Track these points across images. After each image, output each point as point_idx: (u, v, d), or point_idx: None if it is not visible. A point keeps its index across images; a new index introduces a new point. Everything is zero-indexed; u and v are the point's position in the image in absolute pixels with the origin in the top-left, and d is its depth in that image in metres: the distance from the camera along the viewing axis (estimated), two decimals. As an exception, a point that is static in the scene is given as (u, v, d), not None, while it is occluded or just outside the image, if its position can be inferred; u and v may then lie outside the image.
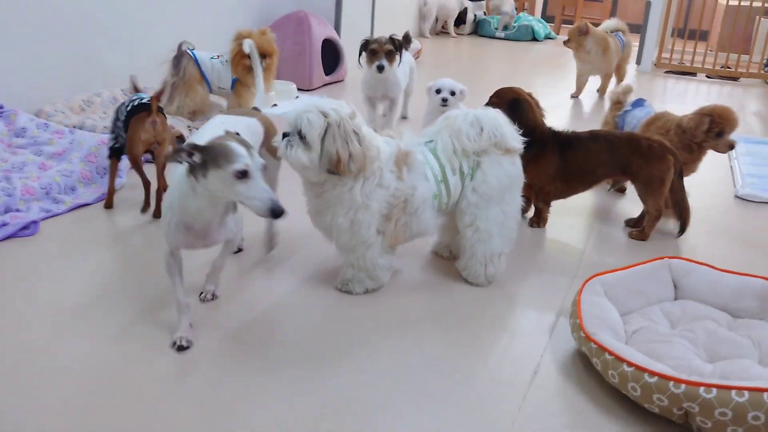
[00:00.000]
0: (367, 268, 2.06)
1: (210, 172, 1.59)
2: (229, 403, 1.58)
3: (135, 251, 2.33)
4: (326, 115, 1.89)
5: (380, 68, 3.61)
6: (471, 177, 2.11)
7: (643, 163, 2.58)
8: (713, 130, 2.78)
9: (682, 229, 2.68)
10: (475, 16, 8.67)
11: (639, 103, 3.21)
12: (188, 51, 3.59)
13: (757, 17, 7.46)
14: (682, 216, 2.67)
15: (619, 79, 5.58)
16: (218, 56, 3.66)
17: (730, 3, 7.63)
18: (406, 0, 7.65)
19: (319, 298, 2.09)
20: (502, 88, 2.67)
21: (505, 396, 1.68)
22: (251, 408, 1.58)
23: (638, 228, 2.72)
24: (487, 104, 2.55)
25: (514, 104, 2.55)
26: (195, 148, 1.59)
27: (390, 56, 3.63)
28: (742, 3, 7.22)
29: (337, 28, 5.27)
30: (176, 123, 3.35)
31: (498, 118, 2.13)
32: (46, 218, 2.51)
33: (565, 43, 5.28)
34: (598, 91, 5.53)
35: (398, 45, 3.67)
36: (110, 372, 1.67)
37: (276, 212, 1.58)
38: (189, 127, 3.42)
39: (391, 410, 1.60)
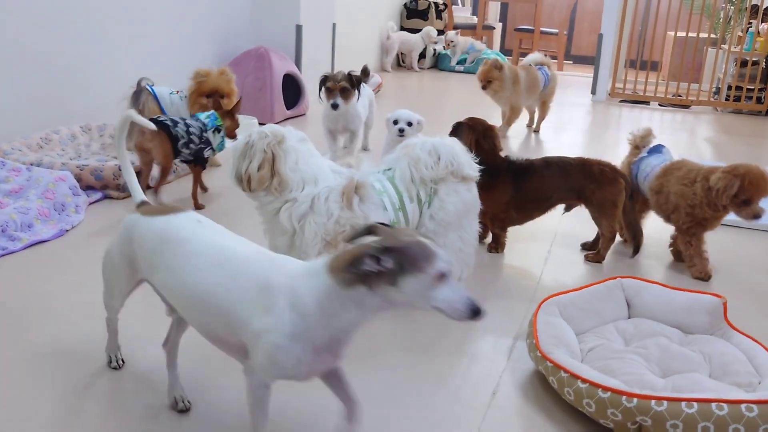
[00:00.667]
0: None
1: (404, 278, 1.23)
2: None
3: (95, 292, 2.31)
4: (250, 135, 2.00)
5: (334, 106, 3.68)
6: (428, 204, 2.15)
7: (596, 187, 2.66)
8: (740, 196, 2.44)
9: (636, 250, 2.75)
10: (435, 50, 8.83)
11: (657, 149, 2.87)
12: (147, 87, 3.60)
13: (705, 47, 7.75)
14: (636, 237, 2.74)
15: (542, 114, 5.47)
16: (177, 92, 3.68)
17: (679, 34, 7.91)
18: (366, 34, 7.78)
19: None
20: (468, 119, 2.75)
21: (465, 417, 1.70)
22: (210, 438, 1.57)
23: (594, 251, 2.78)
24: (451, 133, 2.63)
25: (457, 130, 2.65)
26: (386, 250, 1.24)
27: (345, 93, 3.69)
28: (690, 34, 7.49)
29: (298, 63, 5.33)
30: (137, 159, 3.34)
31: (455, 146, 2.18)
32: (2, 255, 2.48)
33: (484, 88, 5.01)
34: (504, 122, 5.20)
35: (355, 81, 3.73)
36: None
37: (477, 312, 1.25)
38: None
39: (352, 435, 1.60)
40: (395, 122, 3.41)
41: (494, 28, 9.96)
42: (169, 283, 1.46)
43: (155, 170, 3.14)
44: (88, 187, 3.15)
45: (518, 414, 1.72)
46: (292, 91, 5.13)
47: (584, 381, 1.63)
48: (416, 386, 1.82)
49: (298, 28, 5.30)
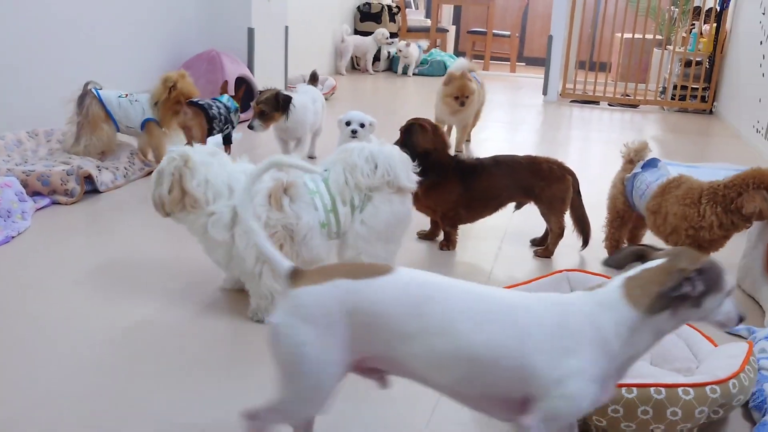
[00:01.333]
0: (266, 296, 2.08)
1: (707, 298, 1.24)
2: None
3: (37, 299, 2.28)
4: (162, 162, 2.10)
5: (250, 127, 3.69)
6: (361, 210, 2.15)
7: (545, 185, 2.72)
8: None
9: (585, 243, 2.82)
10: (389, 53, 8.89)
11: (652, 163, 2.65)
12: (93, 90, 3.56)
13: (653, 49, 7.97)
14: (584, 230, 2.81)
15: (474, 123, 5.03)
16: (126, 95, 3.64)
17: (628, 36, 8.10)
18: (320, 37, 7.79)
19: (227, 329, 2.09)
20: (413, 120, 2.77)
21: (414, 410, 1.72)
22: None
23: (542, 246, 2.84)
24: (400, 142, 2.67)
25: (410, 130, 2.67)
26: (699, 273, 1.23)
27: (263, 117, 3.62)
28: (637, 36, 7.68)
29: (251, 66, 5.31)
30: (85, 163, 3.30)
31: (394, 155, 2.15)
32: (-55, 264, 2.43)
33: (462, 104, 4.44)
34: (463, 140, 4.79)
35: (281, 102, 3.65)
36: (12, 413, 1.62)
37: (742, 319, 1.31)
38: (99, 167, 3.37)
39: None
40: (348, 123, 3.43)
41: (447, 31, 10.07)
42: (426, 351, 1.25)
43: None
44: (34, 193, 3.10)
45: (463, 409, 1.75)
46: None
47: (529, 370, 1.67)
48: (368, 383, 1.84)
49: (250, 31, 5.28)
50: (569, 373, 1.21)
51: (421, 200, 2.66)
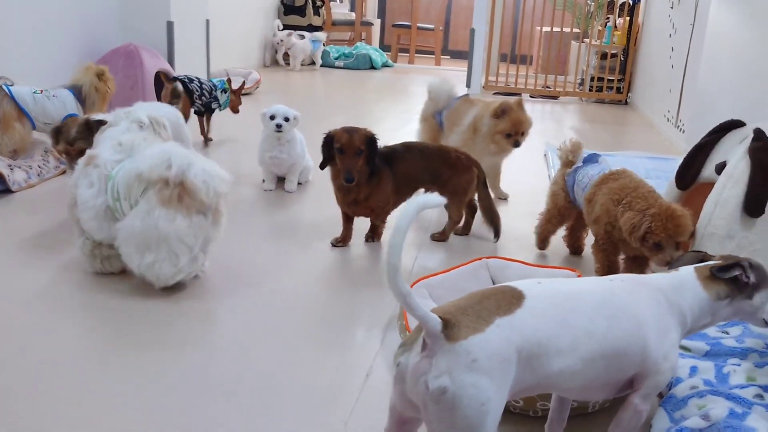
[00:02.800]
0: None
1: (758, 293, 1.47)
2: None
3: (-52, 297, 2.18)
4: None
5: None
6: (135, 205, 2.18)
7: (452, 173, 2.78)
8: (649, 239, 2.23)
9: (497, 234, 2.89)
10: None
11: (592, 158, 2.66)
12: (3, 87, 3.42)
13: (571, 42, 8.20)
14: (494, 222, 2.89)
15: None
16: (42, 90, 3.52)
17: (548, 30, 8.32)
18: (244, 31, 7.69)
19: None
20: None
21: (338, 400, 1.74)
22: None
23: (439, 232, 2.92)
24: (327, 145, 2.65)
25: (328, 140, 2.65)
26: (752, 267, 1.47)
27: (68, 155, 2.94)
28: (557, 29, 7.89)
29: (171, 60, 5.20)
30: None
31: (205, 168, 2.21)
32: None
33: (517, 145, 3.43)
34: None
35: (94, 128, 2.72)
36: None
37: None
38: (11, 166, 3.25)
39: (224, 425, 1.61)
40: (272, 117, 3.40)
41: (372, 24, 10.10)
42: (576, 360, 1.27)
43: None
44: (-59, 194, 2.96)
45: (386, 393, 1.78)
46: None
47: (449, 356, 1.72)
48: (293, 375, 1.85)
49: (169, 25, 5.17)
50: (670, 347, 1.37)
51: (362, 204, 2.69)
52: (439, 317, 1.17)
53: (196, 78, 4.27)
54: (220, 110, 4.43)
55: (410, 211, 1.14)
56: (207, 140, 4.44)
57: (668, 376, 1.38)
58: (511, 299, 1.25)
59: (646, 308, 1.37)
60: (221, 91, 4.39)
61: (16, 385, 1.73)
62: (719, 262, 1.49)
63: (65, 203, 2.37)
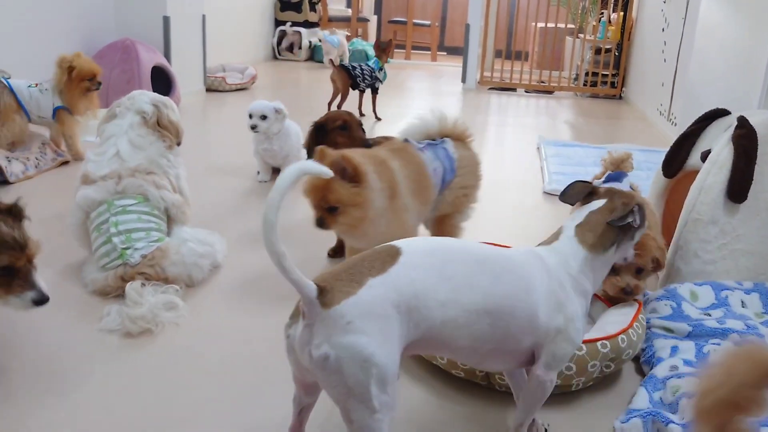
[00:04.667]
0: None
1: (639, 232, 1.52)
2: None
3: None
4: None
5: None
6: None
7: None
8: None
9: None
10: (311, 42, 8.88)
11: (618, 177, 2.46)
12: (3, 80, 3.46)
13: (566, 37, 8.24)
14: None
15: None
16: (36, 84, 3.55)
17: (544, 25, 8.35)
18: (240, 26, 7.72)
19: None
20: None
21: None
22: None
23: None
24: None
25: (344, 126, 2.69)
26: (639, 207, 1.48)
27: None
28: (551, 25, 7.93)
29: (167, 55, 5.24)
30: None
31: None
32: None
33: None
34: None
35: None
36: None
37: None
38: (8, 157, 3.29)
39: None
40: (250, 116, 3.39)
41: (369, 20, 10.13)
42: (458, 311, 1.31)
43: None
44: (-61, 185, 3.00)
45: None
46: (163, 83, 5.04)
47: (436, 335, 1.76)
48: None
49: (166, 20, 5.21)
50: (567, 320, 1.39)
51: None
52: (315, 284, 1.20)
53: (358, 64, 5.12)
54: (382, 83, 5.25)
55: (293, 171, 1.19)
56: (377, 118, 5.24)
57: (568, 347, 1.41)
58: (386, 257, 1.28)
59: (537, 279, 1.39)
60: (379, 71, 5.16)
61: (12, 365, 1.78)
62: (605, 210, 1.48)
63: (62, 194, 2.41)
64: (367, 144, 2.62)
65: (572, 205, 1.56)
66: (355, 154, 2.02)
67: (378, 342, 1.19)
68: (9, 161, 3.27)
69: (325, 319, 1.19)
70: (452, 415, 1.68)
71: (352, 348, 1.18)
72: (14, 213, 1.64)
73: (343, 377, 1.18)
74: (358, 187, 1.95)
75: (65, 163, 3.62)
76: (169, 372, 1.80)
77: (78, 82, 3.53)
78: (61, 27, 4.74)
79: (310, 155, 2.73)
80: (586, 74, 7.28)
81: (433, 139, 2.39)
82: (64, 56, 3.56)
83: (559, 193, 1.59)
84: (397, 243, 1.33)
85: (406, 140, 2.33)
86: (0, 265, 1.58)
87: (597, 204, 1.50)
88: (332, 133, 2.66)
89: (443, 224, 2.42)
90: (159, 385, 1.74)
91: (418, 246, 1.33)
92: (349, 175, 1.95)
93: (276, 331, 2.03)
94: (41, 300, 1.62)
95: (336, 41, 8.27)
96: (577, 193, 1.54)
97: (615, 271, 1.98)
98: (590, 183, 1.55)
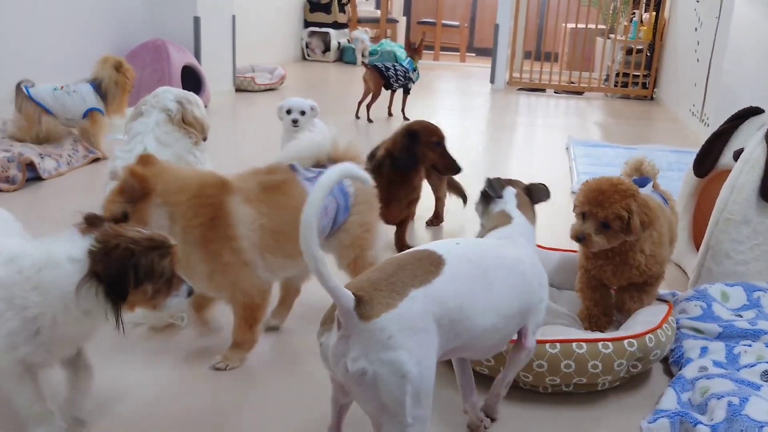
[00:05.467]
0: None
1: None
2: None
3: None
4: None
5: None
6: None
7: None
8: (575, 208, 1.93)
9: (465, 199, 3.04)
10: (339, 43, 8.91)
11: (642, 182, 2.21)
12: (23, 88, 3.50)
13: (596, 38, 8.16)
14: (459, 190, 3.03)
15: None
16: (62, 87, 3.59)
17: (576, 26, 8.28)
18: (270, 27, 7.77)
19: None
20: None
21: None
22: None
23: (432, 216, 3.03)
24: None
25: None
26: (490, 182, 1.63)
27: None
28: (582, 25, 7.85)
29: (197, 55, 5.30)
30: (27, 150, 3.28)
31: None
32: None
33: None
34: None
35: None
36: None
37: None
38: (41, 154, 3.35)
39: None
40: (288, 112, 3.42)
41: (398, 21, 10.13)
42: (495, 317, 1.33)
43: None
44: (-26, 181, 3.07)
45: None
46: (193, 82, 5.10)
47: (460, 332, 1.75)
48: (302, 368, 1.90)
49: (196, 20, 5.26)
50: (544, 288, 1.50)
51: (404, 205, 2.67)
52: (353, 294, 1.14)
53: (391, 65, 5.12)
54: (414, 83, 5.28)
55: (336, 172, 1.14)
56: (405, 118, 5.21)
57: (544, 313, 1.50)
58: (429, 266, 1.24)
59: (527, 264, 1.45)
60: (412, 72, 5.17)
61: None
62: (515, 186, 1.64)
63: (92, 191, 2.43)
64: (456, 168, 2.62)
65: (499, 197, 1.62)
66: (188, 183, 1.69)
67: (417, 357, 1.15)
68: (42, 158, 3.33)
69: (364, 332, 1.13)
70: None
71: (391, 365, 1.13)
72: (127, 219, 1.50)
73: (378, 393, 1.14)
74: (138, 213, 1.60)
75: (96, 160, 3.68)
76: (195, 367, 1.81)
77: (127, 83, 3.67)
78: (94, 27, 4.82)
79: (397, 159, 2.54)
80: (617, 75, 7.20)
81: (323, 166, 1.93)
82: (109, 56, 3.68)
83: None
84: (437, 249, 1.30)
85: (293, 167, 1.88)
86: (171, 269, 1.39)
87: (511, 190, 1.62)
88: (425, 145, 2.56)
89: (357, 267, 1.96)
90: (186, 381, 1.75)
91: (459, 253, 1.31)
92: (135, 194, 1.62)
93: (305, 331, 2.03)
94: (192, 290, 1.45)
95: (365, 37, 8.36)
96: (502, 186, 1.64)
97: (582, 218, 1.88)
98: (509, 179, 1.68)
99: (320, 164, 1.93)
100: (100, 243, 1.32)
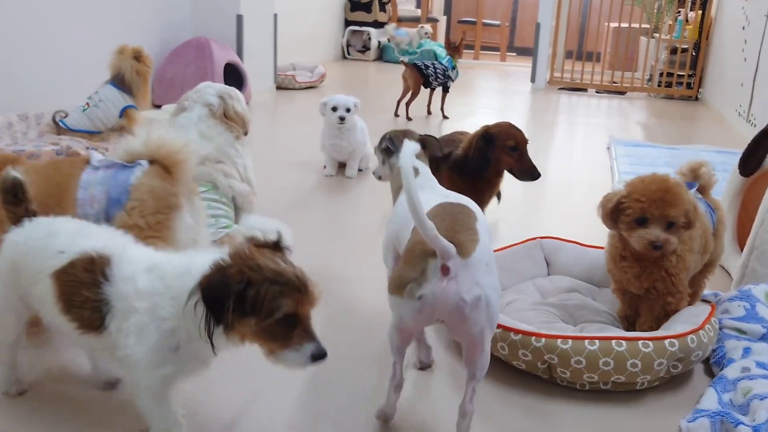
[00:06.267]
0: None
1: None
2: None
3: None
4: None
5: None
6: None
7: None
8: (627, 212, 1.78)
9: (498, 197, 3.03)
10: (379, 42, 8.94)
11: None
12: (60, 123, 3.56)
13: (640, 37, 8.04)
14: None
15: None
16: (87, 104, 3.61)
17: (618, 25, 8.16)
18: (310, 25, 7.83)
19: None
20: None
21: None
22: None
23: None
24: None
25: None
26: (389, 139, 1.88)
27: None
28: (625, 25, 7.74)
29: (239, 52, 5.37)
30: (74, 144, 3.36)
31: None
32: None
33: None
34: None
35: None
36: None
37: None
38: (87, 147, 3.43)
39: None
40: (334, 109, 3.46)
41: (438, 21, 10.11)
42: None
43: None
44: (25, 173, 3.15)
45: (439, 362, 1.83)
46: (235, 80, 5.16)
47: (498, 326, 1.75)
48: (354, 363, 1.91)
49: (239, 18, 5.33)
50: None
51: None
52: (458, 243, 1.34)
53: (431, 63, 5.14)
54: (453, 82, 5.28)
55: (409, 151, 1.35)
56: (444, 117, 5.27)
57: None
58: (468, 211, 1.50)
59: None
60: (452, 70, 5.18)
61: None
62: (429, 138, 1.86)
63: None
64: (533, 175, 2.45)
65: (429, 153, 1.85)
66: None
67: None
68: (88, 151, 3.41)
69: (468, 266, 1.33)
70: (512, 405, 1.67)
71: (495, 284, 1.37)
72: (280, 248, 1.33)
73: (489, 311, 1.34)
74: None
75: (140, 154, 3.75)
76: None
77: (150, 69, 3.65)
78: (139, 25, 4.92)
79: (473, 162, 2.45)
80: (661, 75, 7.08)
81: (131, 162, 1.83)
82: (126, 46, 3.62)
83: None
84: (460, 200, 1.55)
85: (91, 156, 1.86)
86: (285, 312, 1.23)
87: (409, 142, 1.55)
88: (500, 149, 2.44)
89: None
90: (232, 364, 1.78)
91: (468, 202, 1.56)
92: None
93: (347, 313, 2.05)
94: (321, 355, 1.26)
95: (404, 33, 8.36)
96: (399, 139, 1.85)
97: (642, 224, 1.76)
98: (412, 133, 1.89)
99: (131, 160, 1.82)
100: (224, 260, 1.24)
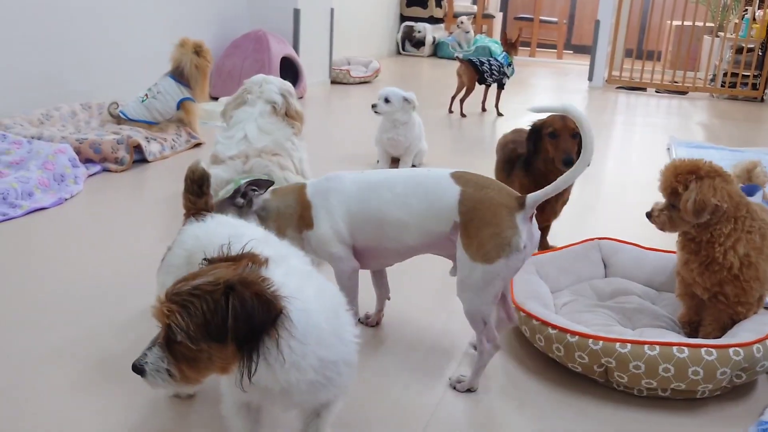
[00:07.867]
0: None
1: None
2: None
3: (90, 251, 2.40)
4: None
5: None
6: None
7: None
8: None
9: None
10: (434, 38, 8.89)
11: (751, 190, 2.13)
12: (121, 114, 3.63)
13: (703, 36, 7.80)
14: None
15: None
16: (146, 95, 3.68)
17: (681, 23, 7.95)
18: (366, 20, 7.84)
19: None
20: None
21: (445, 364, 1.78)
22: None
23: None
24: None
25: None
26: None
27: None
28: (688, 23, 7.53)
29: (296, 46, 5.40)
30: (135, 134, 3.43)
31: None
32: (3, 221, 2.57)
33: None
34: None
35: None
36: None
37: None
38: (147, 138, 3.50)
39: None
40: (387, 100, 3.45)
41: (494, 17, 10.01)
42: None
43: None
44: (87, 160, 3.24)
45: (492, 362, 1.80)
46: (291, 73, 5.21)
47: (554, 327, 1.71)
48: (397, 338, 1.90)
49: (296, 12, 5.37)
50: None
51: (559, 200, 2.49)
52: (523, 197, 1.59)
53: (486, 59, 5.09)
54: (509, 79, 5.21)
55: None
56: (499, 114, 5.22)
57: None
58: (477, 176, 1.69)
59: None
60: (507, 66, 5.10)
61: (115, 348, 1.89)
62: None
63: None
64: (567, 159, 2.27)
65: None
66: None
67: None
68: (148, 141, 3.48)
69: (527, 211, 1.59)
70: (565, 407, 1.63)
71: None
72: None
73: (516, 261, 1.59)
74: None
75: (198, 145, 3.81)
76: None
77: (210, 64, 3.71)
78: (198, 18, 5.00)
79: (527, 155, 2.41)
80: (725, 75, 6.86)
81: None
82: (187, 39, 3.68)
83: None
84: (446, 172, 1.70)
85: None
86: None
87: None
88: (544, 138, 2.36)
89: None
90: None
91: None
92: None
93: (404, 305, 2.04)
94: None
95: (453, 39, 8.31)
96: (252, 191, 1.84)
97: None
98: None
99: None
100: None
